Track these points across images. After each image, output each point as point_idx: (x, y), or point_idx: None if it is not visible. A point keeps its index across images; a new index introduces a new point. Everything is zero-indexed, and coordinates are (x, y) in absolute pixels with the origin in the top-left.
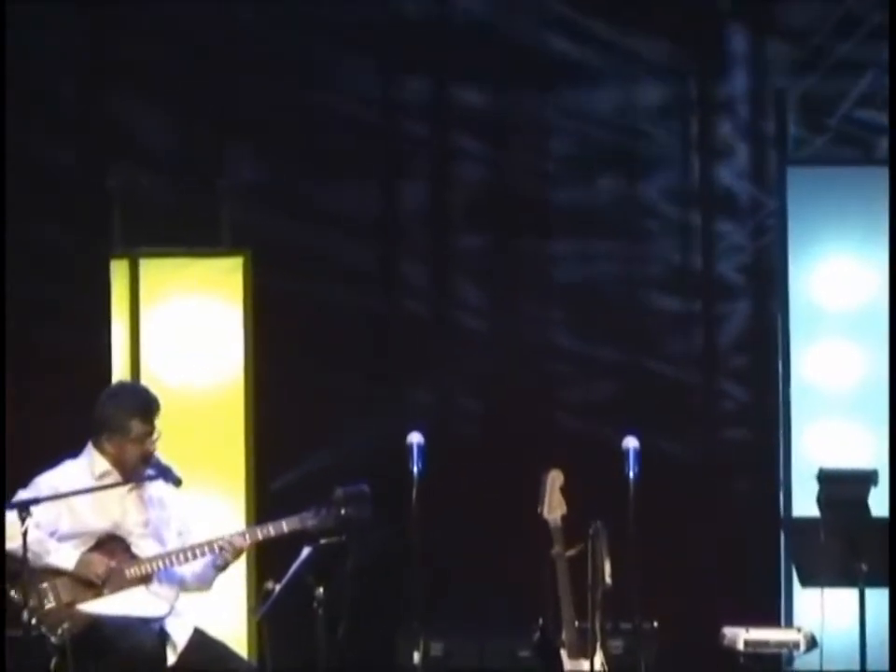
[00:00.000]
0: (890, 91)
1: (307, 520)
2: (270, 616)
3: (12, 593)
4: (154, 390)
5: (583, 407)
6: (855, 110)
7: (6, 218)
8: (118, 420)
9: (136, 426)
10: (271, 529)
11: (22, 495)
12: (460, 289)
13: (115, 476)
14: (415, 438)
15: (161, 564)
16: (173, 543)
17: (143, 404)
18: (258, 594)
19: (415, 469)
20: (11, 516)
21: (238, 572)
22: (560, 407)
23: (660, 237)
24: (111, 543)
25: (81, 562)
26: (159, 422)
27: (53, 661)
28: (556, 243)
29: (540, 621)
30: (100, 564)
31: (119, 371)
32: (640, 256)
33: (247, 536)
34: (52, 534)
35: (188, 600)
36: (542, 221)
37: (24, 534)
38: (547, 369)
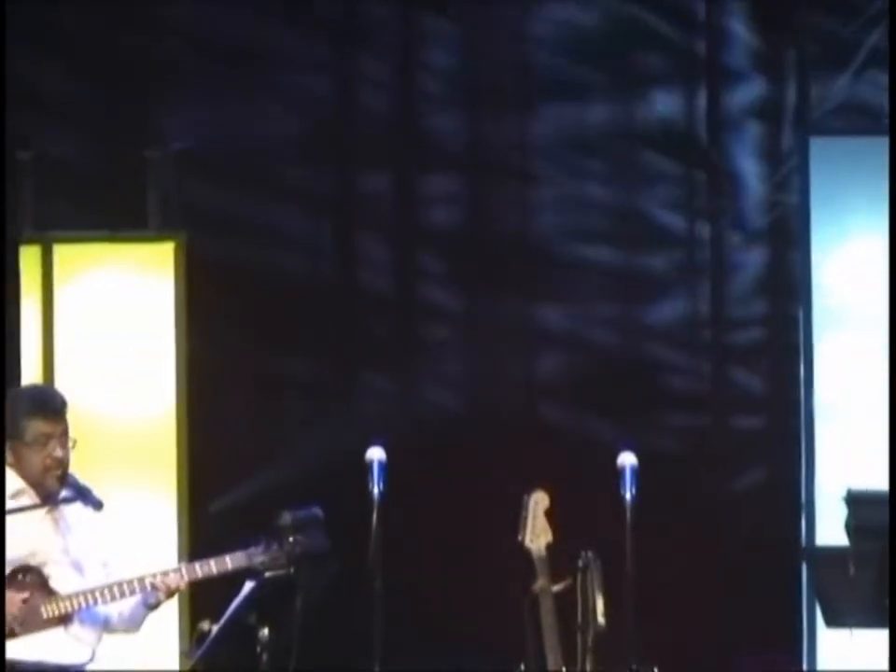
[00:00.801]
0: (890, 90)
1: (255, 556)
2: (206, 661)
3: None
4: (68, 396)
5: (573, 405)
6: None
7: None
8: (11, 423)
9: (31, 427)
10: (213, 566)
11: None
12: (425, 260)
13: (31, 496)
14: (376, 454)
15: (82, 602)
16: (96, 576)
17: (37, 402)
18: (192, 635)
19: (376, 491)
20: None
21: (170, 610)
22: (546, 407)
23: (661, 202)
24: (25, 575)
25: None
26: (67, 427)
27: None
28: (536, 194)
29: (522, 667)
30: (11, 602)
31: (30, 377)
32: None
33: (185, 573)
34: None
35: (111, 642)
36: (519, 168)
37: None
38: (530, 357)
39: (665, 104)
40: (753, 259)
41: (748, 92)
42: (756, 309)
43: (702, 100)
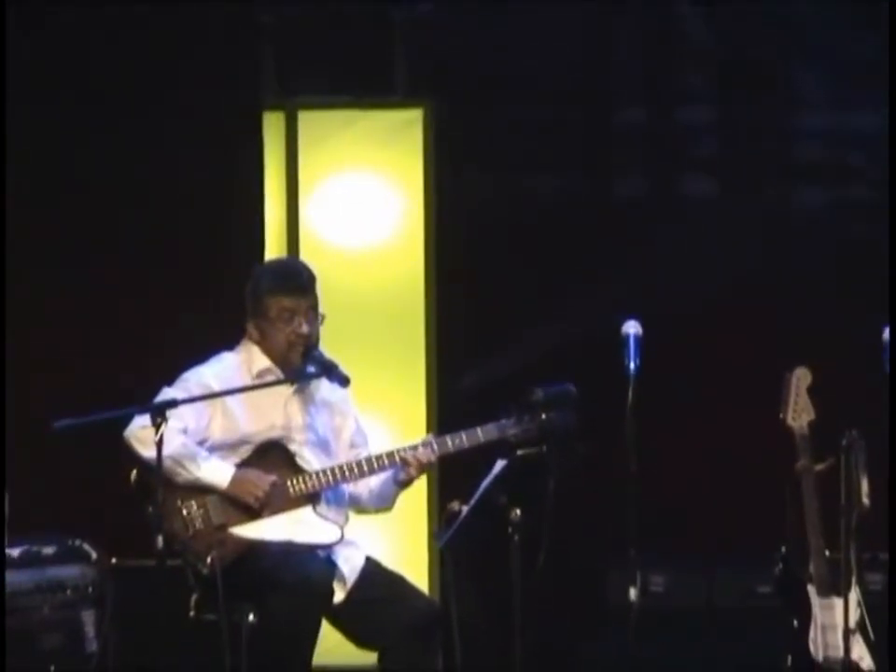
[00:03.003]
0: (890, 90)
1: (507, 428)
2: (455, 543)
3: (149, 509)
4: (314, 269)
5: (835, 281)
6: None
7: (6, 210)
8: (255, 298)
9: (275, 303)
10: (464, 439)
11: (169, 392)
12: (684, 141)
13: (276, 375)
14: (632, 327)
15: (330, 479)
16: (343, 454)
17: (280, 277)
18: (441, 516)
19: (632, 366)
20: (145, 420)
21: (417, 491)
22: (805, 282)
23: None
24: (272, 453)
25: (237, 480)
26: (315, 302)
27: (194, 596)
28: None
29: (783, 550)
30: (260, 482)
31: (274, 250)
32: None
33: (435, 446)
34: (203, 442)
35: (360, 522)
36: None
37: (159, 443)
38: (788, 231)
39: None
40: None
41: None
42: None
43: None
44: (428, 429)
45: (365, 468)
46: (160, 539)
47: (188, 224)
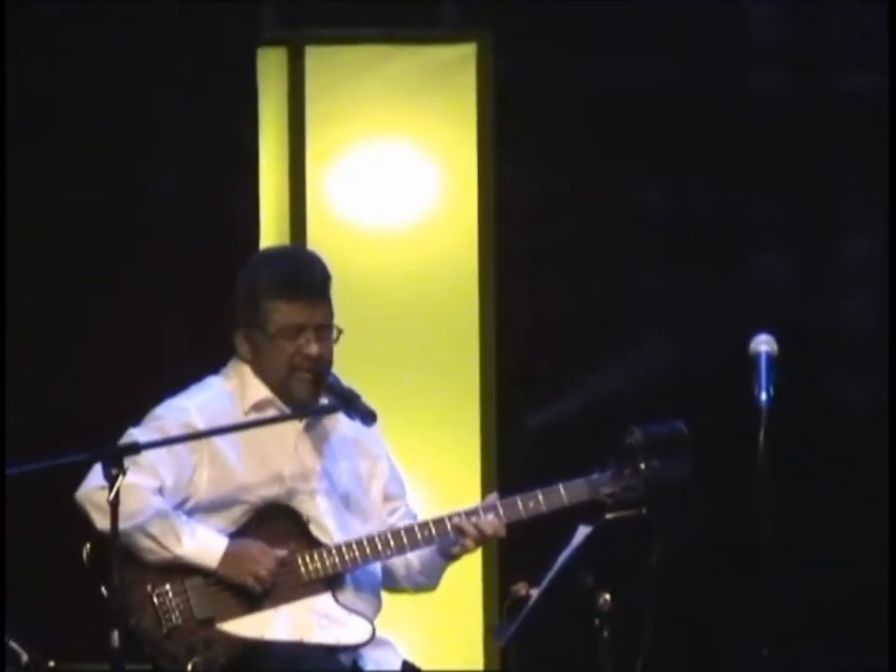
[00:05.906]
0: (890, 89)
1: (601, 486)
2: (521, 640)
3: (105, 594)
4: (326, 259)
5: None
6: None
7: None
8: (251, 302)
9: (276, 314)
10: (541, 501)
11: (136, 436)
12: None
13: (278, 408)
14: (763, 344)
15: (357, 556)
16: (375, 515)
17: (285, 277)
18: (502, 603)
19: (764, 395)
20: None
21: (469, 568)
22: None
23: None
24: (277, 519)
25: (231, 556)
26: (328, 310)
27: None
28: None
29: None
30: (263, 558)
31: (273, 232)
32: None
33: (501, 511)
34: (183, 502)
35: (392, 607)
36: None
37: (114, 502)
38: None
39: None
40: None
41: None
42: None
43: None
44: (484, 485)
45: (405, 541)
46: (114, 636)
47: (159, 199)
